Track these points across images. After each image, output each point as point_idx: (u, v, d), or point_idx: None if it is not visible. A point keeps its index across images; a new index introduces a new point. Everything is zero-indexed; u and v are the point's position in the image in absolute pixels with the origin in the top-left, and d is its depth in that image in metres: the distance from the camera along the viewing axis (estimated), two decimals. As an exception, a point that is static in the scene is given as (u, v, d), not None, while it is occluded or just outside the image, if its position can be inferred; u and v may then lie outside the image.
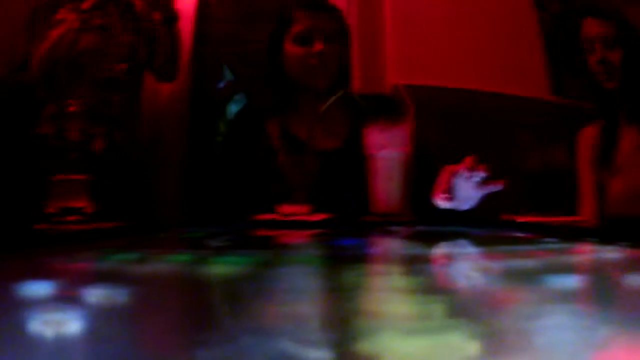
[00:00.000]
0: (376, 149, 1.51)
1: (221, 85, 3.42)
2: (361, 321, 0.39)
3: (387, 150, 1.50)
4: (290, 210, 1.43)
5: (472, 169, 1.39)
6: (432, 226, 1.38)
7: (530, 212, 1.34)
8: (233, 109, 3.37)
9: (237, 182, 1.82)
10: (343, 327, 0.37)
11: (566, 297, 0.47)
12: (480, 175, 1.38)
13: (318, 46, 1.78)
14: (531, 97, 2.75)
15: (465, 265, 0.67)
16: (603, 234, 1.01)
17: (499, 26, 2.91)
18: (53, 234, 1.13)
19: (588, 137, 1.87)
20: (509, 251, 0.85)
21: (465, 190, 1.42)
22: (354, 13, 2.98)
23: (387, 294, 0.50)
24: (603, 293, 0.49)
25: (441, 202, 1.47)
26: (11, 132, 2.23)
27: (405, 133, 1.52)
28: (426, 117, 1.82)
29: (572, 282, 0.54)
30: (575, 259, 0.76)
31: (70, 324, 0.39)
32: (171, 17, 2.50)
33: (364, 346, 0.31)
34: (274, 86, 1.89)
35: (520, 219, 1.29)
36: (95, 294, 0.50)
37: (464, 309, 0.42)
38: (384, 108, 1.70)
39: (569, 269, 0.64)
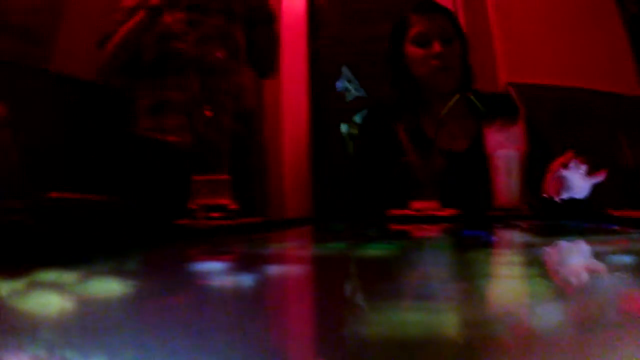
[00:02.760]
0: (495, 148, 1.61)
1: (339, 85, 3.51)
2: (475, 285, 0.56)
3: (504, 149, 1.59)
4: (420, 206, 1.52)
5: (574, 161, 1.49)
6: (547, 220, 1.48)
7: (630, 207, 1.42)
8: (359, 109, 3.47)
9: (369, 179, 1.94)
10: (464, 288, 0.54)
11: (626, 269, 0.62)
12: (583, 167, 1.48)
13: (437, 47, 1.89)
14: (624, 94, 2.79)
15: (562, 249, 0.81)
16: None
17: (589, 25, 2.94)
18: (198, 229, 1.23)
19: None
20: (601, 240, 0.98)
21: (576, 181, 1.50)
22: (460, 15, 3.07)
23: (498, 271, 0.66)
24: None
25: (553, 195, 1.57)
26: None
27: (520, 132, 1.60)
28: (536, 115, 1.88)
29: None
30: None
31: (252, 293, 0.51)
32: (268, 15, 2.56)
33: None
34: (401, 87, 2.01)
35: (620, 214, 1.35)
36: (274, 270, 0.63)
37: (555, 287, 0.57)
38: (500, 108, 1.80)
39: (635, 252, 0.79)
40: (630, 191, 1.44)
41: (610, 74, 2.89)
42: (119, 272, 0.60)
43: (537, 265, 0.67)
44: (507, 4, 3.04)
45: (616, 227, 1.21)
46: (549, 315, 0.39)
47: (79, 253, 0.72)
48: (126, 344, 0.32)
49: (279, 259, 0.74)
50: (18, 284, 0.50)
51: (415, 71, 1.93)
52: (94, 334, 0.36)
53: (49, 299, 0.45)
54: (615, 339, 0.34)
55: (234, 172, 1.51)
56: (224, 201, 1.34)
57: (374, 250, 0.81)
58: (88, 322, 0.40)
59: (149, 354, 0.31)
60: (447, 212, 1.49)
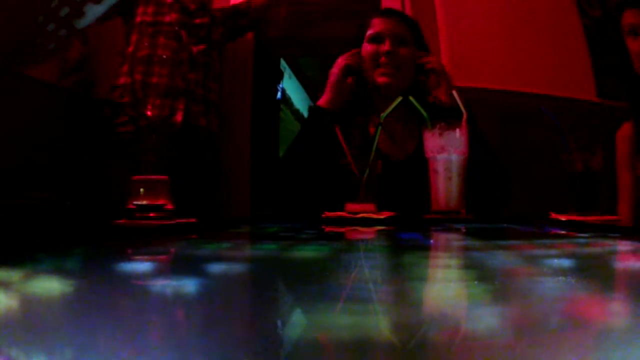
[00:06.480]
0: (435, 152, 1.62)
1: (280, 87, 3.51)
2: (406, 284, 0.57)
3: (445, 153, 1.61)
4: (356, 208, 1.51)
5: None
6: (487, 224, 1.47)
7: (574, 212, 1.45)
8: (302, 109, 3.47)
9: (305, 181, 1.92)
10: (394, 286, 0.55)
11: (558, 271, 0.63)
12: None
13: (387, 46, 1.94)
14: (576, 98, 2.82)
15: (495, 252, 0.81)
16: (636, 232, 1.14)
17: (546, 30, 2.96)
18: (135, 228, 1.24)
19: (625, 135, 1.93)
20: (542, 244, 0.98)
21: None
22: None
23: (433, 274, 0.67)
24: (589, 272, 0.65)
25: None
26: (92, 130, 2.35)
27: (462, 136, 1.62)
28: (480, 119, 1.92)
29: (567, 263, 0.70)
30: (584, 250, 0.87)
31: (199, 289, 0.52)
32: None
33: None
34: (355, 87, 2.02)
35: (564, 218, 1.39)
36: (206, 271, 0.63)
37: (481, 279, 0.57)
38: (442, 112, 1.80)
39: (571, 255, 0.78)
40: (576, 195, 1.47)
41: (565, 79, 2.93)
42: (60, 271, 0.61)
43: (474, 269, 0.66)
44: (455, 5, 3.08)
45: (562, 231, 1.21)
46: (485, 319, 0.40)
47: (22, 251, 0.72)
48: (65, 344, 0.33)
49: (212, 260, 0.74)
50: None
51: (365, 68, 1.97)
52: (37, 333, 0.36)
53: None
54: (553, 343, 0.34)
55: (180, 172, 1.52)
56: (160, 201, 1.35)
57: (307, 252, 0.81)
58: (32, 321, 0.40)
59: (88, 354, 0.31)
60: (382, 214, 1.48)
